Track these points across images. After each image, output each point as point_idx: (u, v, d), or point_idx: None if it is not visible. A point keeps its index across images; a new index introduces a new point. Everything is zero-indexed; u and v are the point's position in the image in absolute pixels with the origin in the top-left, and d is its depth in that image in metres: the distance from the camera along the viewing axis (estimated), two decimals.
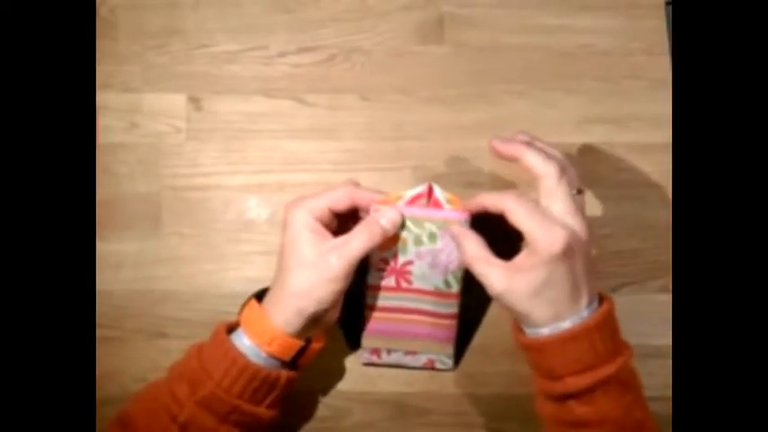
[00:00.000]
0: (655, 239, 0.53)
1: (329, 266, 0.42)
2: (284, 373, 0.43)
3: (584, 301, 0.41)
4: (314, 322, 0.43)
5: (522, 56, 0.56)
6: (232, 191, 0.54)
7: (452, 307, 0.47)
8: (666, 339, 0.46)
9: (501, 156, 0.45)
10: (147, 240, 0.53)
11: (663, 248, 0.53)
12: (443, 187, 0.46)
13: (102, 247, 0.53)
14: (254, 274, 0.53)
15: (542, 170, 0.42)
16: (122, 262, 0.53)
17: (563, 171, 0.42)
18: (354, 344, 0.51)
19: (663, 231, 0.53)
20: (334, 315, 0.45)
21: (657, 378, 0.48)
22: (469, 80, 0.56)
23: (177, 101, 0.55)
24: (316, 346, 0.46)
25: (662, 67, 0.56)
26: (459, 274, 0.46)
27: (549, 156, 0.42)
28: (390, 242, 0.45)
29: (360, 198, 0.45)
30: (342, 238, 0.43)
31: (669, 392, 0.42)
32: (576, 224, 0.41)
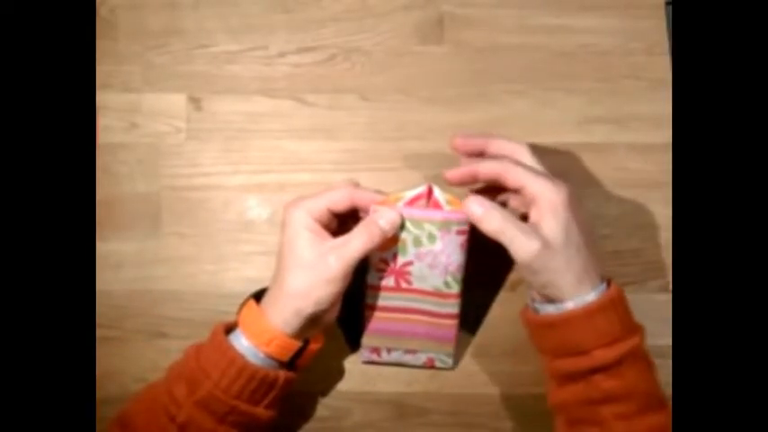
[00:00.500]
0: (655, 239, 0.53)
1: (328, 267, 0.42)
2: (282, 374, 0.43)
3: (598, 268, 0.42)
4: (312, 323, 0.43)
5: (522, 56, 0.56)
6: (232, 191, 0.54)
7: (452, 307, 0.47)
8: (666, 339, 0.46)
9: (466, 150, 0.46)
10: (147, 240, 0.53)
11: (663, 248, 0.53)
12: (443, 188, 0.46)
13: (102, 247, 0.53)
14: (254, 274, 0.53)
15: (514, 146, 0.45)
16: (122, 262, 0.53)
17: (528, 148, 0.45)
18: (354, 343, 0.51)
19: (663, 231, 0.53)
20: (333, 315, 0.45)
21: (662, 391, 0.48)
22: (469, 80, 0.56)
23: (177, 101, 0.55)
24: (314, 346, 0.46)
25: (662, 67, 0.56)
26: (459, 276, 0.46)
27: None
28: (390, 243, 0.45)
29: (359, 199, 0.45)
30: (341, 239, 0.43)
31: (669, 392, 0.42)
32: (558, 180, 0.43)
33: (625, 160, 0.54)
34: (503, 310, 0.52)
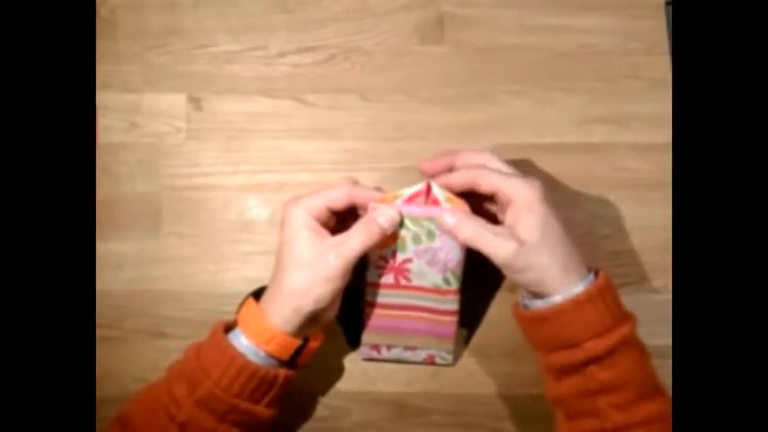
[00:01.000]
0: (655, 239, 0.53)
1: (327, 265, 0.42)
2: (282, 372, 0.43)
3: (582, 260, 0.42)
4: (312, 321, 0.43)
5: (522, 56, 0.56)
6: (232, 191, 0.54)
7: (452, 304, 0.47)
8: (666, 339, 0.46)
9: (435, 171, 0.47)
10: (147, 240, 0.53)
11: (663, 248, 0.53)
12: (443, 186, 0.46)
13: (102, 247, 0.53)
14: (254, 274, 0.53)
15: (481, 157, 0.45)
16: (122, 262, 0.53)
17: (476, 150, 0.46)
18: (354, 341, 0.51)
19: (663, 231, 0.53)
20: (333, 313, 0.45)
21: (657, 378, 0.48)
22: (469, 80, 0.56)
23: (177, 101, 0.55)
24: (314, 344, 0.46)
25: (662, 67, 0.56)
26: (459, 272, 0.46)
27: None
28: (389, 240, 0.45)
29: (358, 196, 0.45)
30: (340, 237, 0.43)
31: (669, 392, 0.42)
32: (531, 177, 0.43)
33: (625, 160, 0.54)
34: (502, 311, 0.52)
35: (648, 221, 0.53)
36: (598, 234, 0.53)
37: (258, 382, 0.42)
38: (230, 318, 0.46)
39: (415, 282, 0.46)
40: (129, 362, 0.52)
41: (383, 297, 0.47)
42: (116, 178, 0.54)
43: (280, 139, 0.55)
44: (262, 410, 0.44)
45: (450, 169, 0.46)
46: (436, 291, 0.47)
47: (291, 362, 0.45)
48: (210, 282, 0.53)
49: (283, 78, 0.56)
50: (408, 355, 0.50)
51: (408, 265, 0.46)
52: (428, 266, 0.46)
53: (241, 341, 0.43)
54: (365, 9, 0.57)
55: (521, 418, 0.51)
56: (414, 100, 0.55)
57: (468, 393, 0.51)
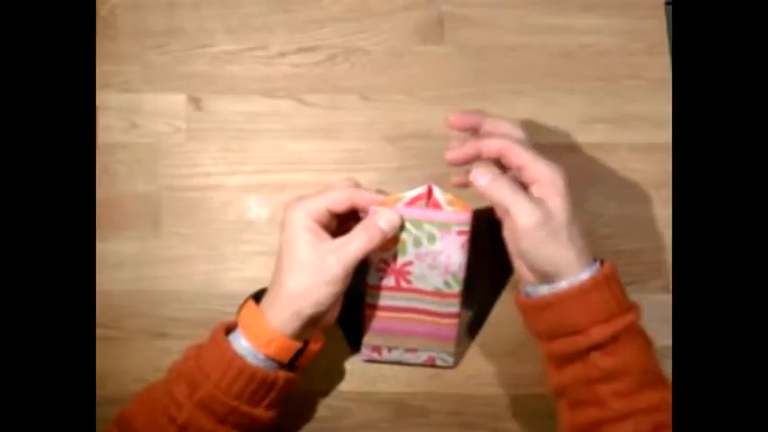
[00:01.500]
0: (655, 239, 0.53)
1: (327, 268, 0.42)
2: (282, 375, 0.43)
3: (590, 251, 0.42)
4: (312, 324, 0.43)
5: (522, 56, 0.56)
6: (232, 191, 0.54)
7: (453, 306, 0.47)
8: (666, 339, 0.46)
9: (462, 126, 0.46)
10: (147, 240, 0.53)
11: (663, 248, 0.53)
12: (444, 188, 0.45)
13: (102, 247, 0.53)
14: (254, 274, 0.52)
15: (509, 126, 0.44)
16: (122, 262, 0.53)
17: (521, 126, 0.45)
18: (354, 343, 0.51)
19: (663, 231, 0.53)
20: (333, 316, 0.45)
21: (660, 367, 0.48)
22: (469, 80, 0.56)
23: (177, 101, 0.55)
24: (314, 347, 0.46)
25: (662, 67, 0.56)
26: (460, 276, 0.46)
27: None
28: (390, 243, 0.45)
29: (359, 199, 0.45)
30: (340, 240, 0.43)
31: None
32: (552, 161, 0.43)
33: (625, 160, 0.54)
34: (503, 311, 0.52)
35: (648, 221, 0.53)
36: (598, 234, 0.53)
37: (258, 385, 0.42)
38: (230, 318, 0.46)
39: (416, 284, 0.46)
40: (129, 362, 0.52)
41: (384, 299, 0.47)
42: (116, 178, 0.54)
43: (280, 139, 0.55)
44: (262, 413, 0.43)
45: (476, 130, 0.46)
46: (437, 294, 0.47)
47: (292, 364, 0.45)
48: (210, 282, 0.53)
49: (283, 78, 0.56)
50: (409, 356, 0.50)
51: (409, 268, 0.46)
52: (429, 269, 0.46)
53: (241, 343, 0.43)
54: (365, 9, 0.57)
55: (521, 418, 0.51)
56: (414, 100, 0.55)
57: (469, 393, 0.51)
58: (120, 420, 0.43)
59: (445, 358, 0.50)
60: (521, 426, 0.51)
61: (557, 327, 0.42)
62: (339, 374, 0.52)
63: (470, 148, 0.44)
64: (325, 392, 0.52)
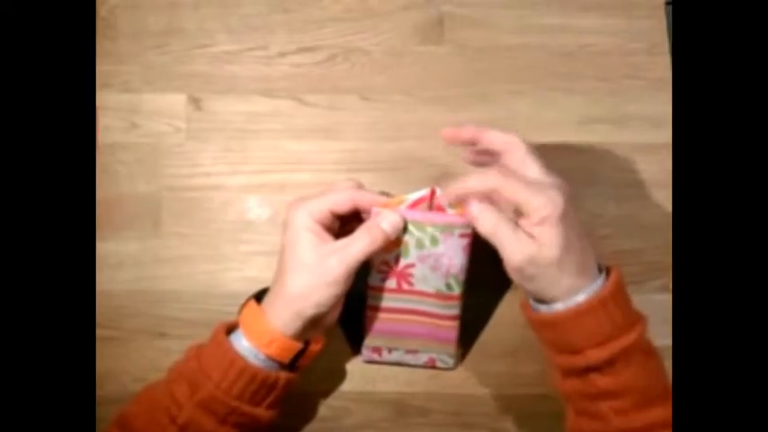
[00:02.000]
0: (655, 239, 0.53)
1: (329, 270, 0.42)
2: (283, 375, 0.43)
3: (593, 265, 0.41)
4: (313, 324, 0.43)
5: (522, 56, 0.56)
6: (232, 191, 0.54)
7: (454, 309, 0.47)
8: (666, 339, 0.46)
9: (459, 140, 0.45)
10: (148, 240, 0.53)
11: (663, 248, 0.53)
12: (443, 187, 0.45)
13: (102, 247, 0.53)
14: (255, 274, 0.53)
15: (508, 140, 0.43)
16: (122, 262, 0.53)
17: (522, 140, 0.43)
18: (355, 343, 0.51)
19: (663, 231, 0.53)
20: (334, 317, 0.45)
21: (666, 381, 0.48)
22: (469, 80, 0.56)
23: (177, 101, 0.55)
24: (315, 347, 0.46)
25: (662, 67, 0.56)
26: (461, 278, 0.46)
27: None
28: (392, 245, 0.45)
29: (361, 200, 0.44)
30: (342, 242, 0.43)
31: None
32: (557, 182, 0.41)
33: (625, 160, 0.54)
34: (503, 312, 0.52)
35: (648, 221, 0.53)
36: (598, 234, 0.53)
37: (258, 385, 0.42)
38: (230, 318, 0.46)
39: (418, 286, 0.46)
40: (129, 362, 0.52)
41: (385, 301, 0.47)
42: (116, 178, 0.54)
43: (280, 139, 0.55)
44: (262, 413, 0.43)
45: (473, 143, 0.45)
46: (438, 296, 0.47)
47: (292, 364, 0.45)
48: (210, 282, 0.53)
49: (283, 78, 0.56)
50: (409, 358, 0.50)
51: (411, 270, 0.46)
52: (431, 271, 0.46)
53: (242, 343, 0.43)
54: (365, 9, 0.57)
55: (521, 418, 0.51)
56: (414, 100, 0.55)
57: (469, 393, 0.51)
58: (120, 420, 0.43)
59: (446, 360, 0.50)
60: (521, 426, 0.51)
61: (556, 343, 0.42)
62: (339, 374, 0.52)
63: (459, 189, 0.42)
64: (326, 392, 0.52)
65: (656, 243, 0.53)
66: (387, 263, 0.46)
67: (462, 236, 0.45)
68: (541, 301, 0.42)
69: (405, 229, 0.44)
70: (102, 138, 0.54)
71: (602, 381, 0.40)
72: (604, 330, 0.40)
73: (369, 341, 0.49)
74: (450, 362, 0.50)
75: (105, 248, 0.53)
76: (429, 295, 0.47)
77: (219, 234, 0.54)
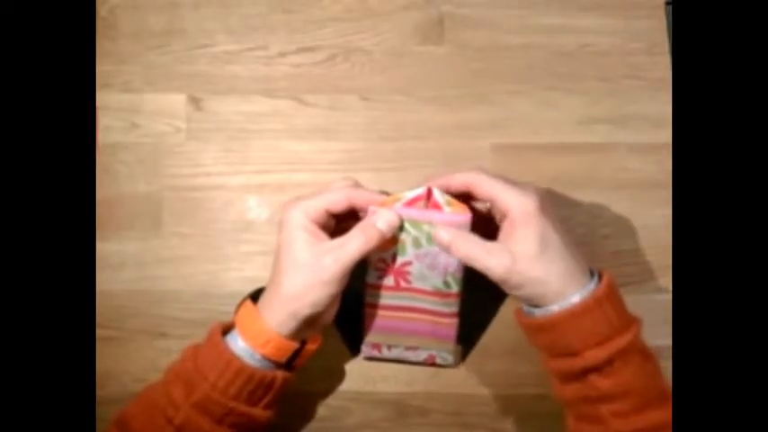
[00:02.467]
0: (655, 239, 0.53)
1: (324, 269, 0.42)
2: (280, 375, 0.43)
3: (584, 268, 0.41)
4: (309, 324, 0.43)
5: (522, 56, 0.56)
6: (232, 191, 0.54)
7: (452, 306, 0.47)
8: (666, 339, 0.46)
9: (447, 190, 0.45)
10: (148, 240, 0.53)
11: (663, 248, 0.53)
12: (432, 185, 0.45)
13: (102, 247, 0.53)
14: (255, 274, 0.53)
15: (466, 179, 0.44)
16: (123, 262, 0.53)
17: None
18: (354, 343, 0.51)
19: (663, 231, 0.53)
20: (330, 317, 0.45)
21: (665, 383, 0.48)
22: (469, 80, 0.56)
23: (177, 101, 0.55)
24: (311, 347, 0.46)
25: (662, 67, 0.55)
26: (459, 276, 0.46)
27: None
28: (389, 244, 0.45)
29: (357, 199, 0.44)
30: (338, 241, 0.43)
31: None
32: (533, 187, 0.42)
33: (625, 160, 0.54)
34: (503, 311, 0.52)
35: (648, 221, 0.53)
36: (598, 234, 0.53)
37: (255, 386, 0.42)
38: (231, 318, 0.46)
39: (416, 284, 0.46)
40: (130, 362, 0.52)
41: (383, 299, 0.47)
42: (116, 178, 0.54)
43: (280, 139, 0.55)
44: (259, 412, 0.43)
45: (465, 187, 0.45)
46: (436, 293, 0.47)
47: (289, 364, 0.45)
48: (211, 282, 0.53)
49: (283, 78, 0.56)
50: (409, 354, 0.50)
51: (408, 268, 0.46)
52: (428, 270, 0.46)
53: (238, 344, 0.43)
54: (365, 9, 0.57)
55: (521, 418, 0.51)
56: (413, 100, 0.55)
57: (469, 393, 0.51)
58: (119, 421, 0.43)
59: (445, 357, 0.50)
60: (521, 426, 0.51)
61: (553, 347, 0.42)
62: (338, 374, 0.52)
63: (442, 181, 0.44)
64: (326, 392, 0.52)
65: (656, 243, 0.53)
66: (384, 261, 0.46)
67: None
68: (536, 305, 0.42)
69: (401, 228, 0.44)
70: (102, 138, 0.55)
71: (601, 383, 0.40)
72: (601, 330, 0.40)
73: (368, 338, 0.49)
74: (450, 359, 0.50)
75: (106, 248, 0.53)
76: (427, 293, 0.47)
77: (220, 234, 0.54)
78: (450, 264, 0.45)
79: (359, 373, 0.52)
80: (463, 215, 0.44)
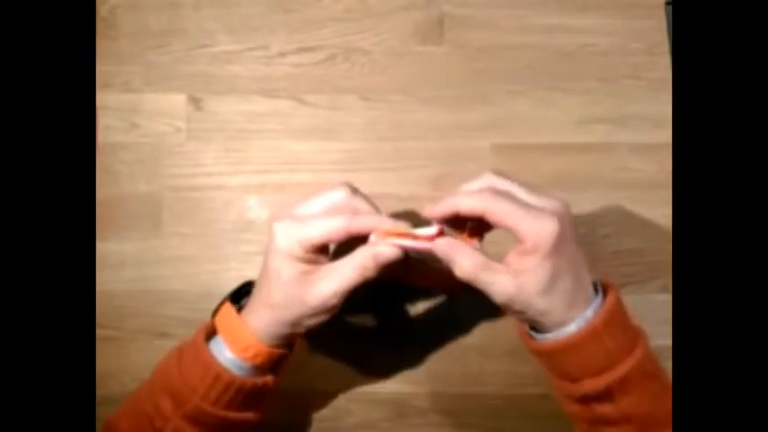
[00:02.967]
0: (655, 239, 0.53)
1: (315, 299, 0.40)
2: (270, 379, 0.43)
3: (588, 292, 0.39)
4: (299, 333, 0.43)
5: (522, 56, 0.56)
6: (232, 191, 0.54)
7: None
8: (666, 339, 0.46)
9: (437, 217, 0.40)
10: (148, 240, 0.54)
11: (663, 248, 0.53)
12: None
13: (103, 248, 0.53)
14: (255, 274, 0.52)
15: (479, 182, 0.40)
16: (123, 262, 0.53)
17: (496, 173, 0.40)
18: (353, 343, 0.51)
19: (663, 231, 0.53)
20: (324, 322, 0.44)
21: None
22: (469, 80, 0.56)
23: (177, 101, 0.55)
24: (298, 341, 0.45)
25: (662, 67, 0.56)
26: None
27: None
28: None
29: (359, 229, 0.40)
30: (331, 270, 0.40)
31: None
32: (555, 205, 0.38)
33: (625, 160, 0.54)
34: (503, 312, 0.52)
35: (648, 221, 0.53)
36: (598, 234, 0.53)
37: (246, 395, 0.42)
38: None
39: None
40: (130, 362, 0.52)
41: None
42: (117, 178, 0.54)
43: (279, 139, 0.55)
44: (251, 416, 0.43)
45: (457, 214, 0.40)
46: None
47: (276, 366, 0.44)
48: (211, 282, 0.53)
49: (283, 78, 0.56)
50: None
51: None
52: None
53: (226, 355, 0.41)
54: (365, 9, 0.57)
55: (521, 418, 0.51)
56: (413, 100, 0.55)
57: (468, 393, 0.51)
58: (107, 428, 0.43)
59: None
60: (521, 426, 0.51)
61: (553, 370, 0.41)
62: (339, 374, 0.52)
63: (447, 205, 0.40)
64: (326, 392, 0.52)
65: (656, 243, 0.53)
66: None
67: None
68: (534, 329, 0.41)
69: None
70: (102, 138, 0.55)
71: (601, 408, 0.39)
72: (598, 361, 0.38)
73: None
74: None
75: (106, 248, 0.53)
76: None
77: (221, 234, 0.54)
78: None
79: (359, 373, 0.52)
80: (430, 231, 0.40)
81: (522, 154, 0.54)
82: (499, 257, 0.40)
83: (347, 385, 0.52)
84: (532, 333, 0.41)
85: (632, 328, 0.40)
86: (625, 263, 0.53)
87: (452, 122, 0.55)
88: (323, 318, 0.41)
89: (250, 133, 0.55)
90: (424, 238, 0.40)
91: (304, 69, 0.56)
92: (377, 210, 0.42)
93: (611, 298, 0.39)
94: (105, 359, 0.51)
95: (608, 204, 0.54)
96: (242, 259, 0.53)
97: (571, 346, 0.38)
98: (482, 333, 0.52)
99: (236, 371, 0.41)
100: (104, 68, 0.55)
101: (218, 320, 0.43)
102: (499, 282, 0.38)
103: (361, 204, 0.42)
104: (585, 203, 0.53)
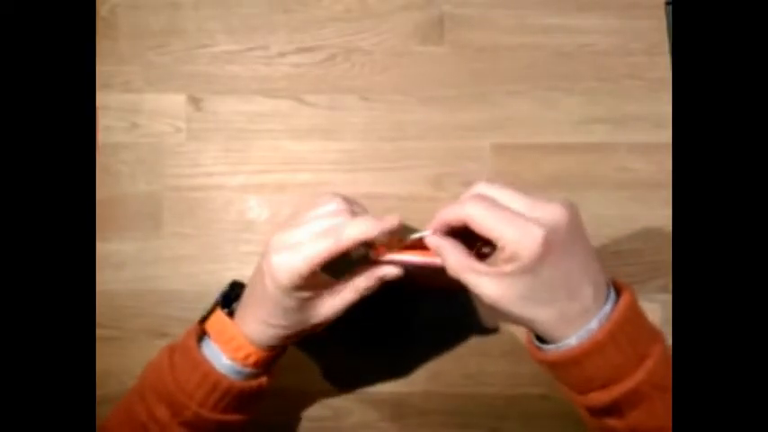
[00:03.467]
0: (655, 239, 0.53)
1: (312, 318, 0.42)
2: (265, 380, 0.43)
3: (586, 303, 0.37)
4: (295, 337, 0.43)
5: (521, 56, 0.56)
6: (232, 191, 0.54)
7: None
8: (666, 339, 0.46)
9: (443, 228, 0.40)
10: (148, 240, 0.54)
11: (663, 248, 0.53)
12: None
13: (103, 247, 0.53)
14: None
15: (468, 192, 0.39)
16: (123, 262, 0.53)
17: (488, 182, 0.39)
18: (353, 343, 0.51)
19: (663, 231, 0.53)
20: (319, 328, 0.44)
21: None
22: (469, 80, 0.56)
23: (177, 101, 0.55)
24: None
25: (662, 67, 0.56)
26: None
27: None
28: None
29: (350, 247, 0.39)
30: (333, 292, 0.42)
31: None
32: (551, 216, 0.36)
33: (625, 160, 0.54)
34: None
35: (648, 221, 0.53)
36: (598, 234, 0.53)
37: (243, 398, 0.42)
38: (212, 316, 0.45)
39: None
40: (131, 361, 0.52)
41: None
42: (117, 178, 0.54)
43: (280, 139, 0.55)
44: (246, 416, 0.44)
45: (448, 226, 0.39)
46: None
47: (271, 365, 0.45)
48: (211, 281, 0.53)
49: (283, 78, 0.56)
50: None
51: None
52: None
53: (222, 361, 0.42)
54: (365, 9, 0.57)
55: (521, 418, 0.51)
56: (413, 100, 0.55)
57: (468, 393, 0.51)
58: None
59: None
60: (521, 426, 0.51)
61: (558, 379, 0.40)
62: (339, 374, 0.52)
63: (438, 219, 0.39)
64: (325, 392, 0.52)
65: (656, 243, 0.53)
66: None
67: None
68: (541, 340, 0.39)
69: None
70: (103, 138, 0.55)
71: (609, 421, 0.38)
72: (603, 374, 0.37)
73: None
74: None
75: (107, 248, 0.53)
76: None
77: (221, 234, 0.54)
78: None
79: (359, 374, 0.52)
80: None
81: (522, 154, 0.54)
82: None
83: (347, 385, 0.52)
84: (537, 343, 0.40)
85: (647, 335, 0.39)
86: (625, 263, 0.53)
87: (452, 122, 0.55)
88: (321, 328, 0.43)
89: (250, 133, 0.55)
90: (420, 251, 0.41)
91: (304, 69, 0.56)
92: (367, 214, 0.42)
93: (620, 307, 0.37)
94: (105, 359, 0.51)
95: (608, 204, 0.54)
96: (242, 259, 0.53)
97: (572, 359, 0.37)
98: (482, 333, 0.52)
99: (232, 376, 0.42)
100: (104, 68, 0.55)
101: (211, 327, 0.43)
102: (484, 284, 0.37)
103: (356, 210, 0.42)
104: (585, 203, 0.53)
